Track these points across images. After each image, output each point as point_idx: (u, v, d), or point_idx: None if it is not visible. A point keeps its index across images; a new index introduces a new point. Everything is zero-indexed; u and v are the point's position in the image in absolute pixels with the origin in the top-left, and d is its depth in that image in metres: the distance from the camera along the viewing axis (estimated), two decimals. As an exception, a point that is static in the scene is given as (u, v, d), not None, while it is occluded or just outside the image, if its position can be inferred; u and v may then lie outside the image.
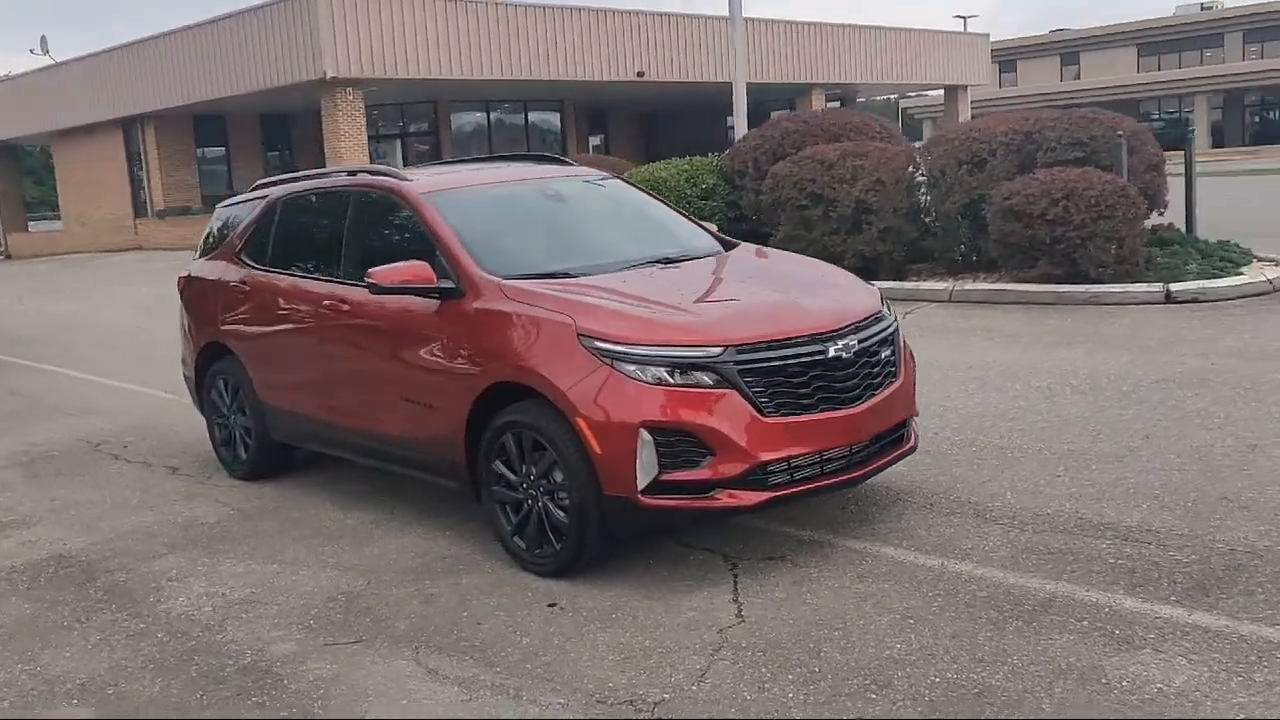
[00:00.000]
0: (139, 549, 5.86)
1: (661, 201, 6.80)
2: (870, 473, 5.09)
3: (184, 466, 7.50)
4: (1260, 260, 12.41)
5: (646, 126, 43.41)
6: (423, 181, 6.01)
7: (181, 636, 4.69)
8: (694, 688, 3.90)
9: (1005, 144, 12.27)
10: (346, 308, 5.94)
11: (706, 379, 4.65)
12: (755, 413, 4.65)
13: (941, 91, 44.83)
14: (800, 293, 5.27)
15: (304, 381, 6.35)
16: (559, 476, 4.88)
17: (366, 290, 5.70)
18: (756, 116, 16.98)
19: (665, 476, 4.63)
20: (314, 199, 6.70)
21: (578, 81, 31.15)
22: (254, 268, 6.83)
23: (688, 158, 15.31)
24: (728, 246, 6.20)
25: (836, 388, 4.86)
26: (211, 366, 7.16)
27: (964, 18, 46.80)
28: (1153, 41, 65.35)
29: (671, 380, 4.64)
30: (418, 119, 34.28)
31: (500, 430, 5.08)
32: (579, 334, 4.80)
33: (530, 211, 6.11)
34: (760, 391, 4.69)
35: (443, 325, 5.36)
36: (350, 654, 4.40)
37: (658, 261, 5.71)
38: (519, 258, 5.53)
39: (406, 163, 33.33)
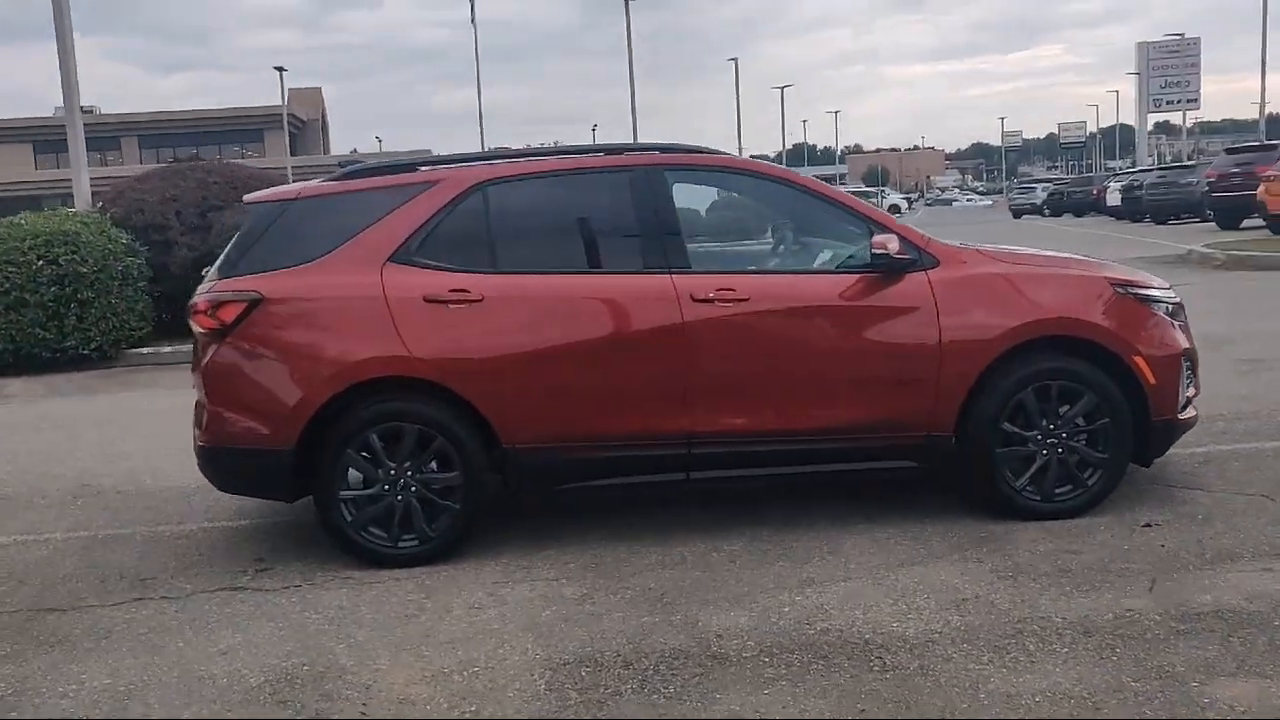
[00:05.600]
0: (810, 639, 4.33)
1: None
2: None
3: (273, 579, 5.05)
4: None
5: None
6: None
7: None
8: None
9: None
10: (743, 297, 5.13)
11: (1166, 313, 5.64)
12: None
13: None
14: None
15: (635, 397, 5.12)
16: (1082, 420, 5.33)
17: (773, 276, 5.36)
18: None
19: (1187, 395, 5.53)
20: (574, 182, 5.31)
21: None
22: (470, 271, 5.11)
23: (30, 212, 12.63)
24: None
25: None
26: (355, 417, 5.03)
27: None
28: (48, 140, 64.53)
29: (1175, 318, 5.57)
30: None
31: (1015, 388, 5.26)
32: (1112, 284, 5.39)
33: None
34: None
35: (914, 295, 5.22)
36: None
37: None
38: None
39: None
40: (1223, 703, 3.50)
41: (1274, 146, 26.64)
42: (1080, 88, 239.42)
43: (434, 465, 5.12)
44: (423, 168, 5.48)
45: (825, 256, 5.47)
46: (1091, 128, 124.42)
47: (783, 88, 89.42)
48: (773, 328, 5.21)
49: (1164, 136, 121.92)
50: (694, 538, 5.34)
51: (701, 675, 3.90)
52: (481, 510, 5.25)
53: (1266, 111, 56.66)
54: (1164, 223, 32.83)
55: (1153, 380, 5.32)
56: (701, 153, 5.57)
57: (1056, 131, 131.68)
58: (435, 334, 5.07)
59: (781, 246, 5.82)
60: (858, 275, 5.24)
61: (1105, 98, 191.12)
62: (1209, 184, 26.27)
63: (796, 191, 5.46)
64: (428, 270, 5.14)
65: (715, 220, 5.89)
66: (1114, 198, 38.69)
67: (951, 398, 5.23)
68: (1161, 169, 34.86)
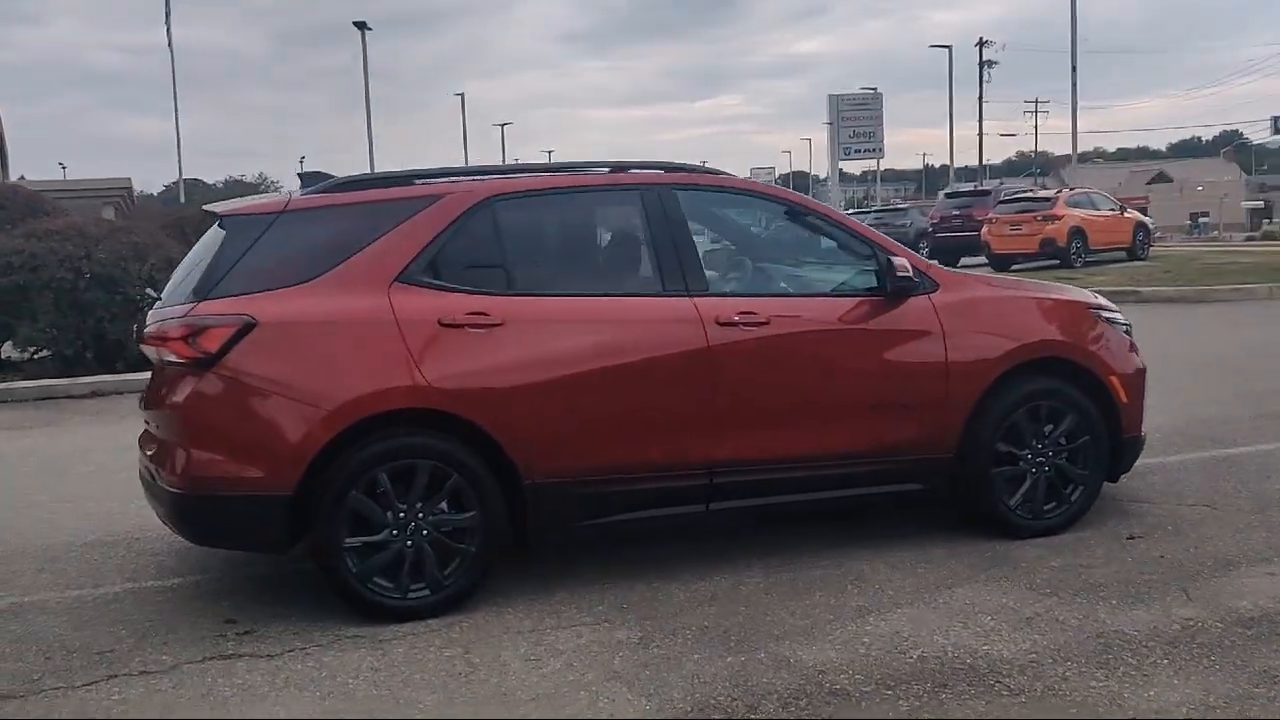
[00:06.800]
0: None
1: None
2: None
3: (316, 652, 4.41)
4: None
5: None
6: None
7: None
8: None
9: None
10: (763, 320, 4.98)
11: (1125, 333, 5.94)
12: None
13: None
14: None
15: (660, 425, 4.84)
16: (1064, 439, 5.52)
17: (790, 299, 5.27)
18: None
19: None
20: (584, 200, 5.00)
21: None
22: (485, 293, 4.69)
23: None
24: None
25: None
26: (363, 455, 4.49)
27: None
28: None
29: (1130, 337, 5.88)
30: None
31: (1010, 409, 5.38)
32: (1089, 307, 5.63)
33: None
34: None
35: (923, 319, 5.25)
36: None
37: None
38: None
39: None
40: (1350, 700, 3.66)
41: (988, 192, 29.17)
42: (760, 136, 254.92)
43: (445, 505, 4.65)
44: (417, 181, 5.01)
45: (834, 278, 5.43)
46: (781, 172, 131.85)
47: (503, 125, 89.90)
48: (794, 350, 5.09)
49: (840, 183, 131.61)
50: (705, 571, 5.11)
51: (839, 714, 3.70)
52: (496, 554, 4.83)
53: (928, 162, 61.90)
54: (881, 261, 35.13)
55: (1124, 399, 5.58)
56: (706, 173, 5.41)
57: (749, 175, 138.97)
58: (453, 361, 4.63)
59: (781, 268, 5.74)
60: (869, 298, 5.22)
61: (799, 144, 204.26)
62: (933, 225, 28.40)
63: (802, 213, 5.39)
64: (439, 291, 4.69)
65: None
66: (831, 237, 41.03)
67: (956, 419, 5.28)
68: (878, 211, 37.39)
